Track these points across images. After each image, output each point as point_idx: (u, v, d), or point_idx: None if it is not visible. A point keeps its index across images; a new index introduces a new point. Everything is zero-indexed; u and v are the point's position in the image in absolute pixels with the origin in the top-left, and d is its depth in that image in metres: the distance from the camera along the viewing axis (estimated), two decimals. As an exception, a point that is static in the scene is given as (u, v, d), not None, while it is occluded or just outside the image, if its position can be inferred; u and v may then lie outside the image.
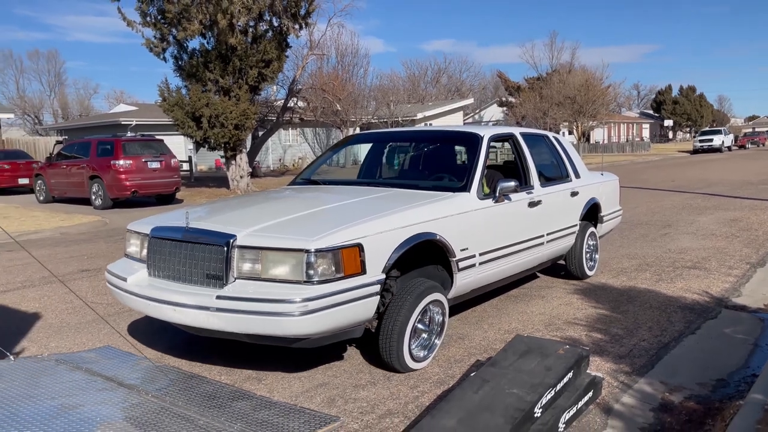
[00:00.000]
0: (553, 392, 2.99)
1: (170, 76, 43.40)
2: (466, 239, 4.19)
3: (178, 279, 3.69)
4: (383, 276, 3.52)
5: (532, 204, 4.99)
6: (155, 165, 14.93)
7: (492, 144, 5.08)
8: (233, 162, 18.07)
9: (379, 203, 4.13)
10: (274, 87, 24.27)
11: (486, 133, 4.93)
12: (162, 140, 16.09)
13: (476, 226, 4.31)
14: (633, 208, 12.02)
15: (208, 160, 31.42)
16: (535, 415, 2.85)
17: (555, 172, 5.71)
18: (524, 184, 5.09)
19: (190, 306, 3.44)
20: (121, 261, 4.28)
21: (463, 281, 4.24)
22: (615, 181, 6.78)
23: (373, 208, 3.89)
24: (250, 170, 19.26)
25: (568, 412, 3.02)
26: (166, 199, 15.68)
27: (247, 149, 19.82)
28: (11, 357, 3.91)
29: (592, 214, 6.18)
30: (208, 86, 16.68)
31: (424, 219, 3.85)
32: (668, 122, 67.75)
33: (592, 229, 6.10)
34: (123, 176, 14.29)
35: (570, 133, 50.17)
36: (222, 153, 18.26)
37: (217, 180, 22.79)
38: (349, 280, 3.35)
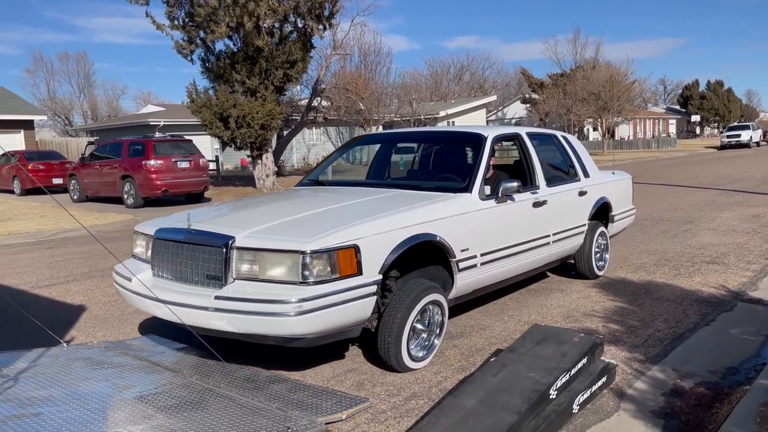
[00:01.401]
0: (567, 376, 3.19)
1: (198, 77, 44.20)
2: (467, 240, 4.20)
3: (180, 279, 3.75)
4: (380, 277, 3.55)
5: (537, 204, 4.99)
6: (184, 165, 15.35)
7: (503, 144, 5.21)
8: (259, 161, 18.44)
9: (378, 204, 4.15)
10: (299, 87, 24.62)
11: (490, 133, 4.94)
12: (191, 140, 16.52)
13: (477, 227, 4.33)
14: (655, 204, 12.08)
15: (234, 160, 31.97)
16: (551, 396, 3.06)
17: (562, 172, 5.74)
18: (529, 184, 5.11)
19: (190, 306, 3.49)
20: (128, 262, 4.35)
21: (464, 282, 4.26)
22: (627, 180, 6.76)
23: (372, 210, 3.92)
24: (276, 169, 19.64)
25: (582, 395, 3.22)
26: (195, 197, 16.10)
27: (273, 148, 20.19)
28: (64, 344, 4.24)
29: (602, 213, 6.16)
30: (235, 87, 17.05)
31: (423, 220, 3.87)
32: (695, 118, 66.73)
33: (602, 228, 6.08)
34: (154, 176, 14.72)
35: (594, 129, 49.83)
36: (248, 152, 18.65)
37: (243, 179, 23.24)
38: (345, 280, 3.39)
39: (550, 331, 3.69)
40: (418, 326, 3.88)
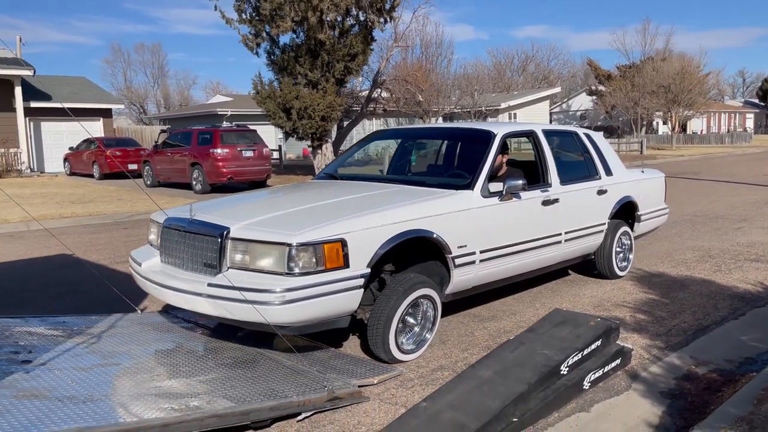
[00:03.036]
0: (580, 355, 3.49)
1: (263, 69, 45.52)
2: (464, 237, 4.24)
3: (182, 266, 3.95)
4: (368, 270, 3.65)
5: (546, 202, 4.98)
6: (249, 153, 16.15)
7: (525, 140, 5.24)
8: (319, 151, 19.07)
9: (376, 200, 4.24)
10: (359, 78, 25.13)
11: (500, 131, 4.96)
12: (255, 131, 17.31)
13: (476, 224, 4.36)
14: (713, 201, 11.89)
15: (296, 149, 32.95)
16: (561, 372, 3.36)
17: (580, 170, 5.64)
18: (542, 182, 5.12)
19: (187, 291, 3.68)
20: (144, 248, 4.57)
21: (462, 278, 4.32)
22: (658, 179, 6.60)
23: (367, 205, 4.03)
24: (337, 157, 20.23)
25: (594, 373, 3.51)
26: (258, 185, 16.86)
27: (333, 139, 20.79)
28: (138, 311, 4.83)
29: (627, 212, 6.06)
30: (298, 80, 17.70)
31: (415, 216, 3.95)
32: (775, 111, 63.29)
33: (625, 228, 5.98)
34: (220, 163, 15.57)
35: (664, 123, 48.19)
36: (309, 143, 19.32)
37: (304, 168, 24.02)
38: (331, 273, 3.50)
39: (569, 315, 3.97)
40: (410, 320, 4.00)
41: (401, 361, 3.89)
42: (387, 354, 3.83)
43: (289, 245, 3.44)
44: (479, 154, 4.76)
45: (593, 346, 3.59)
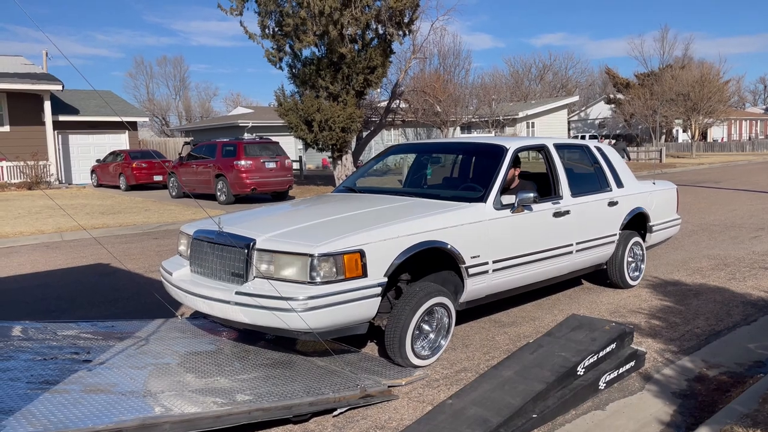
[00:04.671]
0: (595, 357, 3.72)
1: (284, 81, 46.23)
2: (478, 247, 4.42)
3: (210, 276, 4.17)
4: (385, 279, 3.85)
5: (558, 214, 5.14)
6: (271, 165, 16.55)
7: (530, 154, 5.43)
8: (339, 162, 19.45)
9: (392, 212, 4.42)
10: (378, 90, 25.53)
11: (512, 145, 5.14)
12: (277, 142, 17.73)
13: (489, 235, 4.52)
14: (731, 210, 11.99)
15: (315, 160, 33.41)
16: (578, 372, 3.61)
17: (591, 183, 5.78)
18: (553, 194, 5.30)
19: (216, 299, 3.90)
20: (174, 258, 4.82)
21: (475, 287, 4.49)
22: (670, 191, 6.74)
23: (384, 217, 4.22)
24: (355, 169, 20.60)
25: (609, 374, 3.74)
26: (281, 196, 17.27)
27: (352, 149, 21.17)
28: (179, 316, 5.15)
29: (638, 223, 6.22)
30: (319, 92, 18.13)
31: (430, 228, 4.14)
32: (797, 119, 62.57)
33: (636, 239, 6.13)
34: (244, 175, 15.99)
35: (684, 131, 47.96)
36: (329, 153, 19.70)
37: (324, 178, 24.42)
38: (350, 282, 3.70)
39: (585, 320, 4.21)
40: (425, 327, 4.18)
41: (417, 367, 4.07)
42: (403, 359, 4.01)
43: (311, 256, 3.64)
44: (492, 168, 4.95)
45: (608, 349, 3.82)
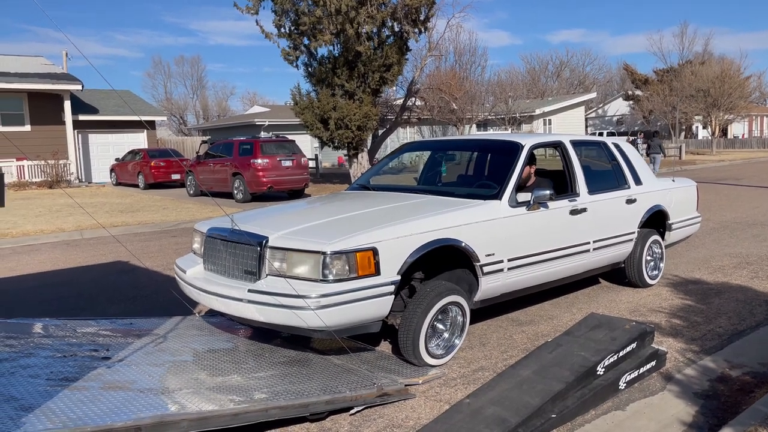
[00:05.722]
0: (615, 357, 3.67)
1: (300, 80, 46.45)
2: (492, 245, 4.36)
3: (224, 273, 4.17)
4: (398, 277, 3.81)
5: (574, 212, 5.07)
6: (288, 163, 16.61)
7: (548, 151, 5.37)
8: (355, 160, 19.45)
9: (406, 210, 4.38)
10: (394, 87, 25.49)
11: (528, 142, 5.07)
12: (294, 141, 17.78)
13: (504, 233, 4.47)
14: (753, 208, 11.79)
15: (331, 158, 33.49)
16: (598, 372, 3.56)
17: (608, 180, 5.70)
18: (570, 191, 5.21)
19: (229, 297, 3.88)
20: (188, 256, 4.83)
21: (490, 285, 4.43)
22: (690, 188, 6.62)
23: (398, 215, 4.18)
24: (370, 167, 20.59)
25: (630, 374, 3.69)
26: (297, 194, 17.32)
27: (368, 148, 21.16)
28: (196, 314, 5.18)
29: (657, 221, 6.12)
30: (335, 91, 18.13)
31: (444, 226, 4.09)
32: (822, 114, 61.36)
33: (655, 237, 6.03)
34: (261, 173, 16.06)
35: (704, 127, 47.32)
36: (345, 152, 19.70)
37: (340, 176, 24.45)
38: (363, 280, 3.67)
39: (604, 319, 4.15)
40: (439, 326, 4.12)
41: (431, 366, 4.03)
42: (417, 358, 3.97)
43: (324, 253, 3.62)
44: (507, 165, 4.88)
45: (628, 349, 3.76)
